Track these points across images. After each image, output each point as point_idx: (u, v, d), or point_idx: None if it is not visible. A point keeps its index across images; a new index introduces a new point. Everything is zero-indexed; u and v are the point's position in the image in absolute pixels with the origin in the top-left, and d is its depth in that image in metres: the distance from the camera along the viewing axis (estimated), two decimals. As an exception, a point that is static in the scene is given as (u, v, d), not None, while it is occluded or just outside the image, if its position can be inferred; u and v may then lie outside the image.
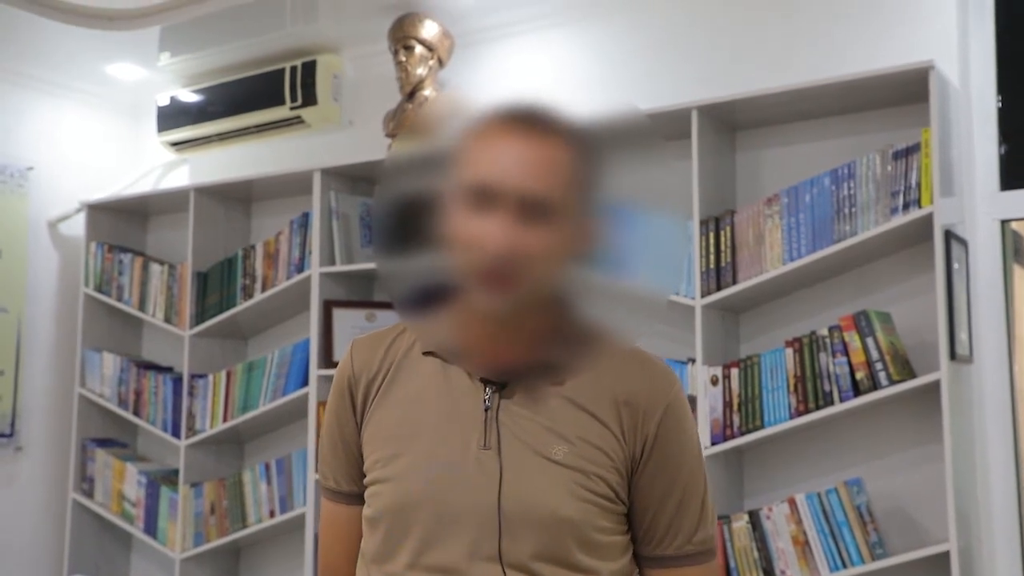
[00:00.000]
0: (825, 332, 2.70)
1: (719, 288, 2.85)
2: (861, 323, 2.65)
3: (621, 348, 1.30)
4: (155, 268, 3.99)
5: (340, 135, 3.86)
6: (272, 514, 3.60)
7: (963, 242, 2.72)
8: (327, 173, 3.57)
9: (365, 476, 1.35)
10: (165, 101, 4.10)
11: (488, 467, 1.26)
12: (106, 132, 4.40)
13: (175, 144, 4.12)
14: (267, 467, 3.64)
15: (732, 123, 3.06)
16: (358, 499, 1.38)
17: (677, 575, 1.33)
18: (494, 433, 1.27)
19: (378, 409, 1.34)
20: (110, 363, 4.02)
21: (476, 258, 1.20)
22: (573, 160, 1.22)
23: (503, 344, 1.29)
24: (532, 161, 1.20)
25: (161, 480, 3.87)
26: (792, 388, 2.73)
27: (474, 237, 1.20)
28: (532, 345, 1.28)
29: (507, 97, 1.24)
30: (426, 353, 1.33)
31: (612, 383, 1.30)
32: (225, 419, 3.71)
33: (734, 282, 2.84)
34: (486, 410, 1.28)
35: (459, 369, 1.30)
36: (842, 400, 2.66)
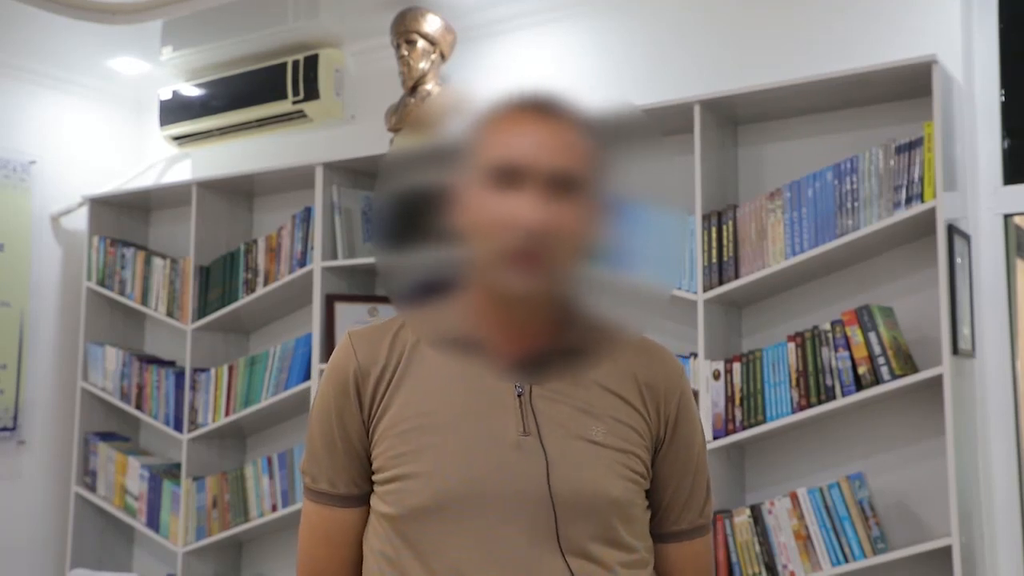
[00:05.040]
0: (827, 327, 2.70)
1: (721, 283, 2.85)
2: (863, 318, 2.64)
3: (633, 334, 1.32)
4: (157, 262, 3.99)
5: (342, 129, 3.86)
6: (274, 508, 3.61)
7: (966, 237, 2.71)
8: (329, 167, 3.57)
9: (375, 474, 1.29)
10: (167, 95, 4.10)
11: (531, 454, 1.24)
12: (108, 126, 4.39)
13: (177, 138, 4.12)
14: (269, 461, 3.65)
15: (734, 118, 3.06)
16: (357, 501, 1.32)
17: (689, 548, 1.38)
18: (531, 419, 1.25)
19: (392, 403, 1.28)
20: (112, 357, 4.02)
21: (507, 238, 1.18)
22: (589, 145, 1.22)
23: (524, 332, 1.27)
24: (556, 140, 1.21)
25: (163, 474, 3.87)
26: (794, 383, 2.73)
27: (503, 217, 1.19)
28: (552, 331, 1.28)
29: (520, 86, 1.24)
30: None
31: (631, 366, 1.32)
32: (227, 413, 3.71)
33: (736, 277, 2.84)
34: (518, 396, 1.26)
35: (476, 358, 1.27)
36: (844, 395, 2.66)
